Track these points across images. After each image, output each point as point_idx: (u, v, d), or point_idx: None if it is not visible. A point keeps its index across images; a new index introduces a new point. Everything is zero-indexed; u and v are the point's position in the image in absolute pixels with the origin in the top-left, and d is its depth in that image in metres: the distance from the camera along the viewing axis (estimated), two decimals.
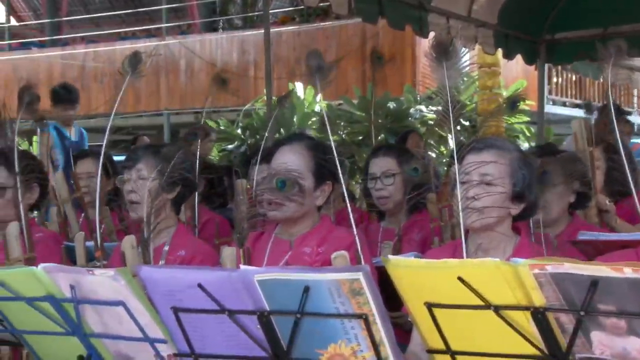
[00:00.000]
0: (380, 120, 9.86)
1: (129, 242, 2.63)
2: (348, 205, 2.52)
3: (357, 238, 2.58)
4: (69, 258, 3.28)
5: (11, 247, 2.88)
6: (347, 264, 2.32)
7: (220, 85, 3.76)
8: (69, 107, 7.20)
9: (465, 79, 10.43)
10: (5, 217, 3.05)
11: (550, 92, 13.56)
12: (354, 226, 2.47)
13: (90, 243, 3.19)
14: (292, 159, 2.79)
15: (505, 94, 10.17)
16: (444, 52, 2.32)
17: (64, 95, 7.18)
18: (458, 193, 2.37)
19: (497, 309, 1.71)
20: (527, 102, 10.97)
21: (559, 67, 13.26)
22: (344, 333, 1.85)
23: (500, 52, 6.99)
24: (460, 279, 1.71)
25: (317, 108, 11.39)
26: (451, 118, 2.29)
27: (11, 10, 20.85)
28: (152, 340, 2.12)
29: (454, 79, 2.33)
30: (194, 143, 3.66)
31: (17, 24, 21.85)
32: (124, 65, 2.77)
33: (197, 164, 3.36)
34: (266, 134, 4.52)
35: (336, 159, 2.60)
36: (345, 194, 2.70)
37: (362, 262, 2.46)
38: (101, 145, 3.11)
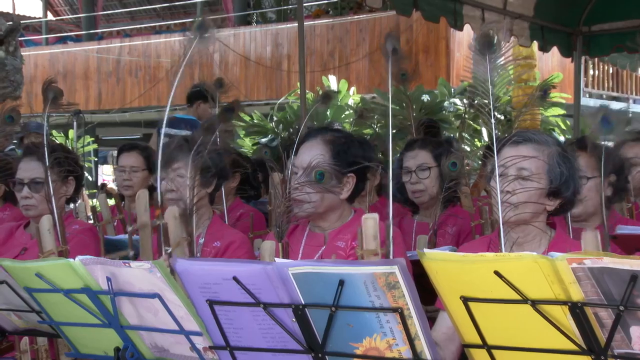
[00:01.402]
0: (414, 114, 9.80)
1: (172, 213, 2.63)
2: (390, 198, 2.49)
3: (390, 228, 2.55)
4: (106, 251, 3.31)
5: (44, 240, 2.90)
6: (376, 226, 2.30)
7: (219, 87, 3.76)
8: None
9: (499, 71, 10.33)
10: (43, 211, 3.08)
11: (586, 85, 13.41)
12: (391, 218, 2.45)
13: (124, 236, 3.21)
14: (312, 154, 2.78)
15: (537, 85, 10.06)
16: (488, 45, 2.29)
17: None
18: (497, 187, 2.34)
19: (535, 304, 1.69)
20: (562, 95, 10.87)
21: (596, 59, 13.10)
22: (379, 327, 1.85)
23: (535, 44, 6.92)
24: (497, 273, 1.69)
25: (350, 101, 11.37)
26: (492, 112, 2.26)
27: (48, 5, 21.08)
28: (188, 332, 2.13)
29: (497, 73, 2.30)
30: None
31: (54, 18, 22.08)
32: (193, 29, 2.77)
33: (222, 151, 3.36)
34: (301, 128, 4.50)
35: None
36: (390, 189, 2.67)
37: (391, 248, 2.44)
38: (137, 139, 3.11)
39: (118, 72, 16.24)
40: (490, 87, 2.26)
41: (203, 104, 7.01)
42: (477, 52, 2.28)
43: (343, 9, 15.09)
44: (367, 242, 2.37)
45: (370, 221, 2.37)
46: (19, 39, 7.49)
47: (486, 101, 2.33)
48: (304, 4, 11.13)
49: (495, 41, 2.29)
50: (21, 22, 8.89)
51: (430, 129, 6.15)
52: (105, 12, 20.09)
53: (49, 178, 3.04)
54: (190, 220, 2.61)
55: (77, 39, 18.34)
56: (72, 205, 3.69)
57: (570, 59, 7.20)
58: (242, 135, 11.52)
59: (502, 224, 2.31)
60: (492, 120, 2.26)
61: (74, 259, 2.17)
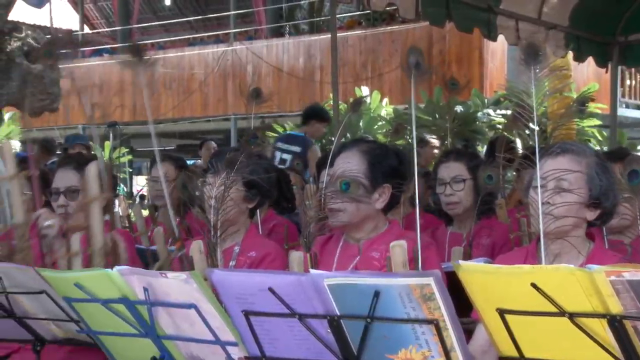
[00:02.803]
0: (447, 125, 9.79)
1: (197, 248, 2.66)
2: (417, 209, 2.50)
3: (418, 240, 2.55)
4: (140, 259, 3.34)
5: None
6: (405, 254, 2.30)
7: (255, 98, 3.78)
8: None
9: (545, 82, 10.28)
10: (78, 219, 3.11)
11: (623, 95, 13.27)
12: (418, 234, 2.45)
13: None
14: (345, 166, 2.79)
15: (576, 97, 9.99)
16: (534, 56, 2.28)
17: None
18: (539, 199, 2.32)
19: (572, 317, 1.68)
20: (598, 105, 10.77)
21: (632, 70, 12.96)
22: (414, 338, 1.84)
23: (570, 54, 6.87)
24: (533, 285, 1.68)
25: (383, 112, 11.37)
26: (535, 124, 2.25)
27: (85, 18, 21.37)
28: (223, 343, 2.14)
29: (542, 84, 2.29)
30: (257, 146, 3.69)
31: (90, 31, 22.38)
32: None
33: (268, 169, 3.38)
34: (335, 138, 4.52)
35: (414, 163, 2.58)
36: (418, 199, 2.67)
37: (419, 263, 2.44)
38: (171, 150, 3.14)
39: (152, 84, 16.40)
40: (534, 98, 2.25)
41: (317, 123, 7.14)
42: (522, 62, 2.27)
43: (376, 20, 15.10)
44: (396, 269, 2.36)
45: (397, 249, 2.36)
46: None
47: (526, 112, 2.32)
48: (337, 15, 11.16)
49: (541, 52, 2.27)
50: (59, 35, 9.02)
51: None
52: (140, 25, 20.31)
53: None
54: (214, 255, 2.62)
55: (113, 52, 18.56)
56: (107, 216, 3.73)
57: (605, 69, 7.13)
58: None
59: (548, 237, 2.29)
60: (536, 132, 2.24)
61: (112, 268, 2.19)
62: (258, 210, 3.88)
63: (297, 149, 7.47)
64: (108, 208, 3.56)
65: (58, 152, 8.04)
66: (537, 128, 2.26)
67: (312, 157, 6.79)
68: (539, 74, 2.25)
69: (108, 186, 2.97)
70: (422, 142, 6.48)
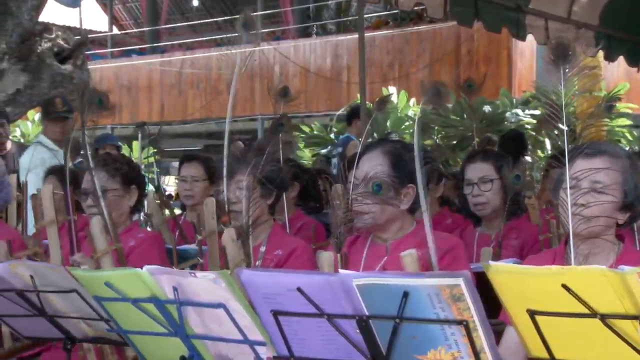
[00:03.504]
0: (475, 125, 9.74)
1: (229, 236, 2.67)
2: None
3: (431, 243, 2.53)
4: (171, 260, 3.37)
5: (97, 241, 2.94)
6: (415, 263, 2.29)
7: (283, 97, 3.80)
8: None
9: (575, 82, 10.20)
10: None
11: None
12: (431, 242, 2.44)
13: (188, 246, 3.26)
14: (370, 166, 2.78)
15: (604, 96, 9.90)
16: (563, 55, 2.26)
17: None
18: (569, 199, 2.30)
19: (604, 318, 1.67)
20: (629, 105, 10.65)
21: None
22: (444, 339, 1.84)
23: (601, 53, 6.81)
24: (564, 286, 1.67)
25: (410, 112, 11.33)
26: (564, 125, 2.23)
27: (113, 19, 21.54)
28: (252, 342, 2.15)
29: (571, 83, 2.27)
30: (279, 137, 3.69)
31: (119, 32, 22.56)
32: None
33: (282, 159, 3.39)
34: (362, 139, 4.52)
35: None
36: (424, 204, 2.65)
37: (434, 265, 2.42)
38: (198, 150, 3.16)
39: (180, 84, 16.50)
40: (562, 97, 2.23)
41: (359, 121, 7.16)
42: (552, 61, 2.24)
43: (403, 20, 15.06)
44: None
45: (408, 258, 2.34)
46: (86, 52, 7.69)
47: (555, 112, 2.30)
48: (364, 15, 11.15)
49: (571, 51, 2.25)
50: (88, 36, 9.12)
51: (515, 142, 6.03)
52: (168, 26, 20.44)
53: (97, 181, 3.10)
54: (247, 242, 2.63)
55: (141, 52, 18.69)
56: (140, 217, 3.77)
57: (637, 69, 7.06)
58: (301, 147, 11.58)
59: (573, 237, 2.27)
60: (565, 132, 2.22)
61: (141, 267, 2.21)
62: (286, 210, 3.90)
63: (340, 149, 7.51)
64: (136, 206, 3.60)
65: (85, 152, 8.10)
66: (566, 128, 2.24)
67: (348, 152, 6.80)
68: (568, 73, 2.23)
69: (115, 236, 3.01)
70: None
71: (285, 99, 3.77)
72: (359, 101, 9.22)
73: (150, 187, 4.27)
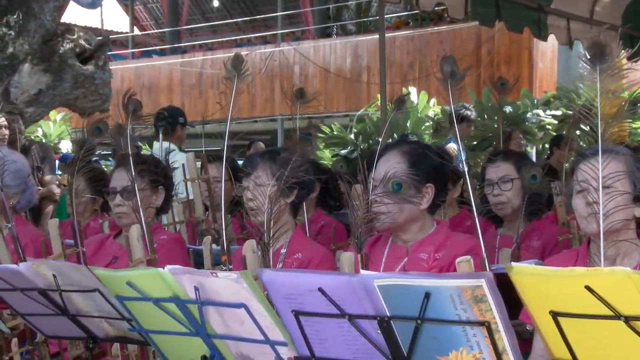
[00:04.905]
0: (495, 125, 9.71)
1: (249, 247, 2.68)
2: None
3: (482, 243, 2.53)
4: (194, 261, 3.37)
5: (133, 249, 2.98)
6: (472, 270, 2.27)
7: (299, 98, 3.80)
8: None
9: (586, 82, 10.15)
10: (135, 219, 3.16)
11: None
12: (479, 231, 2.43)
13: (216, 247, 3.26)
14: (388, 167, 2.78)
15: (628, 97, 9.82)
16: (599, 55, 2.24)
17: None
18: (600, 200, 2.29)
19: (628, 320, 1.65)
20: None
21: None
22: (465, 340, 1.83)
23: (623, 53, 6.76)
24: (588, 287, 1.66)
25: (430, 113, 11.31)
26: (599, 126, 2.21)
27: (134, 20, 21.65)
28: (273, 342, 2.15)
29: (607, 83, 2.25)
30: (308, 143, 3.69)
31: (139, 33, 22.67)
32: (229, 70, 2.83)
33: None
34: (381, 139, 4.51)
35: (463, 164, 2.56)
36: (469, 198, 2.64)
37: (487, 268, 2.41)
38: (218, 151, 3.17)
39: (200, 84, 16.56)
40: (598, 98, 2.21)
41: (458, 125, 7.05)
42: (588, 61, 2.23)
43: (423, 20, 15.05)
44: None
45: (464, 265, 2.31)
46: (107, 53, 7.74)
47: (586, 112, 2.29)
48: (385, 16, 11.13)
49: (607, 50, 2.23)
50: (109, 37, 9.18)
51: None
52: (188, 27, 20.52)
53: (136, 188, 3.12)
54: (267, 255, 2.63)
55: (162, 53, 18.78)
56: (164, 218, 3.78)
57: None
58: (321, 147, 11.59)
59: (598, 238, 2.26)
60: (599, 133, 2.20)
61: (163, 268, 2.22)
62: (305, 210, 3.89)
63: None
64: (164, 210, 3.62)
65: (102, 152, 8.18)
66: (600, 129, 2.22)
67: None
68: (604, 73, 2.21)
69: (150, 246, 3.04)
70: (461, 118, 6.41)
71: (302, 100, 3.77)
72: (379, 102, 9.21)
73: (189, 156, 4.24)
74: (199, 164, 4.22)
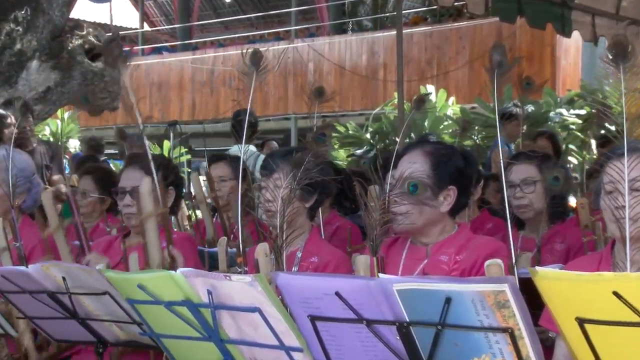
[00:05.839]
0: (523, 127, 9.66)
1: (262, 250, 2.68)
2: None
3: (511, 246, 2.51)
4: (203, 262, 3.38)
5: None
6: (502, 273, 2.25)
7: (318, 97, 3.79)
8: None
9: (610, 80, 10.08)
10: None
11: None
12: (510, 237, 2.41)
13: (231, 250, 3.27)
14: (409, 168, 2.77)
15: None
16: (622, 53, 2.23)
17: None
18: (627, 202, 2.26)
19: None
20: None
21: None
22: (488, 347, 1.83)
23: None
24: (615, 293, 1.64)
25: (449, 112, 11.28)
26: (624, 125, 2.19)
27: (144, 16, 21.72)
28: (288, 348, 2.15)
29: (633, 82, 2.23)
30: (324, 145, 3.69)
31: (149, 29, 22.74)
32: (248, 65, 2.82)
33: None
34: (398, 139, 4.51)
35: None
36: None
37: (516, 273, 2.40)
38: (229, 149, 3.17)
39: (212, 82, 16.60)
40: (623, 98, 2.19)
41: (508, 122, 6.98)
42: (610, 61, 2.21)
43: (442, 16, 15.01)
44: None
45: (494, 268, 2.29)
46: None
47: (608, 111, 2.27)
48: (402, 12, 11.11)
49: (630, 49, 2.22)
50: (119, 33, 9.21)
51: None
52: (200, 23, 20.57)
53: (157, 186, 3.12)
54: (280, 259, 2.62)
55: (172, 50, 18.83)
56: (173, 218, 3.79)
57: None
58: (336, 147, 11.57)
59: (622, 242, 2.24)
60: (625, 133, 2.19)
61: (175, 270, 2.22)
62: (320, 212, 3.89)
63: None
64: (173, 211, 3.62)
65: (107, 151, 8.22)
66: (626, 129, 2.20)
67: (494, 159, 6.69)
68: (628, 72, 2.19)
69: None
70: (508, 115, 6.32)
71: (320, 99, 3.76)
72: (396, 100, 9.20)
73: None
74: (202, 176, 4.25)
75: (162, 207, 3.06)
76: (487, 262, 2.26)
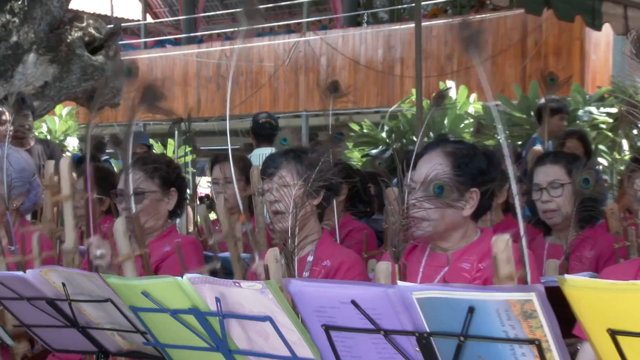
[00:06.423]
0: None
1: (272, 255, 2.68)
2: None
3: (525, 249, 2.51)
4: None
5: (120, 244, 2.95)
6: (509, 248, 2.24)
7: (333, 92, 3.79)
8: None
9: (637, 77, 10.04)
10: (146, 223, 3.18)
11: None
12: (524, 239, 2.41)
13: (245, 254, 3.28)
14: (430, 167, 2.77)
15: None
16: None
17: None
18: None
19: None
20: None
21: None
22: (513, 359, 1.83)
23: None
24: None
25: (470, 109, 11.27)
26: None
27: (147, 7, 21.78)
28: (301, 359, 2.15)
29: None
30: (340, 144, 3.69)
31: (152, 21, 22.81)
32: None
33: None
34: (416, 138, 4.51)
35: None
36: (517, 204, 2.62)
37: (528, 270, 2.39)
38: (237, 149, 3.18)
39: (218, 77, 16.63)
40: None
41: (550, 117, 6.90)
42: (634, 56, 2.21)
43: (463, 8, 15.01)
44: (501, 266, 2.32)
45: (501, 243, 2.33)
46: (118, 42, 7.79)
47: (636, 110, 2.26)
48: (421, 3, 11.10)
49: None
50: (120, 25, 9.25)
51: None
52: (205, 14, 20.62)
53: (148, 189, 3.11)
54: (292, 265, 2.63)
55: (176, 43, 18.89)
56: (177, 221, 3.80)
57: None
58: (350, 147, 11.58)
59: None
60: None
61: (181, 276, 2.23)
62: (335, 215, 3.90)
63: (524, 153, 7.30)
64: (176, 213, 3.63)
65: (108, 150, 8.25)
66: None
67: (530, 158, 6.65)
68: None
69: (140, 240, 3.03)
70: (552, 109, 6.26)
71: (335, 94, 3.77)
72: (413, 97, 9.20)
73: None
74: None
75: (141, 248, 3.05)
76: (494, 238, 2.25)
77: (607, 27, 6.19)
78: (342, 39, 15.38)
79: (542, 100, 6.73)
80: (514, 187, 2.45)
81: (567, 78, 4.82)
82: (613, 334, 1.74)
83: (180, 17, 20.13)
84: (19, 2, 6.71)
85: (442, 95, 3.55)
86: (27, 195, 3.74)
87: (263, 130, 6.64)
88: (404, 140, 11.10)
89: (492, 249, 2.30)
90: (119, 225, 2.97)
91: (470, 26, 2.42)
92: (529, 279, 2.33)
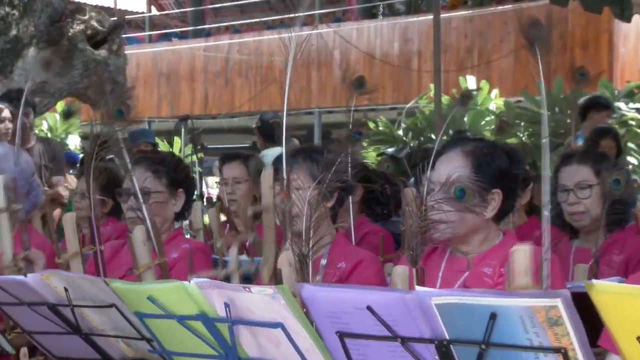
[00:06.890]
0: (568, 120, 9.61)
1: (285, 259, 2.69)
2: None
3: (547, 261, 2.50)
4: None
5: (139, 254, 2.97)
6: (527, 260, 2.22)
7: (358, 88, 3.78)
8: None
9: None
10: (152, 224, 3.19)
11: None
12: (548, 246, 2.40)
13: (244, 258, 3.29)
14: (450, 168, 2.77)
15: None
16: None
17: None
18: None
19: None
20: None
21: None
22: None
23: None
24: None
25: (492, 106, 11.26)
26: None
27: None
28: None
29: None
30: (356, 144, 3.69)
31: (158, 13, 22.86)
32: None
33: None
34: (435, 136, 4.50)
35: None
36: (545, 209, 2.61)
37: (545, 276, 2.39)
38: (246, 147, 3.18)
39: (226, 72, 16.66)
40: None
41: (596, 113, 6.86)
42: None
43: None
44: (517, 278, 2.31)
45: (520, 253, 2.30)
46: (122, 36, 7.82)
47: None
48: None
49: None
50: (124, 17, 9.28)
51: None
52: (213, 6, 20.65)
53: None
54: (306, 269, 2.63)
55: (183, 36, 18.93)
56: (185, 222, 3.81)
57: None
58: (365, 145, 11.58)
59: None
60: None
61: (189, 281, 2.23)
62: (351, 216, 3.90)
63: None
64: (183, 215, 3.64)
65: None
66: None
67: None
68: None
69: (159, 249, 3.04)
70: (596, 105, 6.24)
71: (361, 90, 3.75)
72: (432, 93, 9.20)
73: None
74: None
75: (160, 256, 3.07)
76: (513, 248, 2.22)
77: (636, 19, 6.18)
78: (357, 32, 15.38)
79: (584, 97, 6.70)
80: (546, 193, 2.44)
81: (598, 73, 4.79)
82: None
83: (187, 9, 20.17)
84: None
85: (468, 95, 3.54)
86: (27, 197, 3.76)
87: (272, 131, 6.61)
88: (422, 139, 11.09)
89: (509, 257, 2.29)
90: (138, 233, 2.99)
91: (539, 26, 2.43)
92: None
